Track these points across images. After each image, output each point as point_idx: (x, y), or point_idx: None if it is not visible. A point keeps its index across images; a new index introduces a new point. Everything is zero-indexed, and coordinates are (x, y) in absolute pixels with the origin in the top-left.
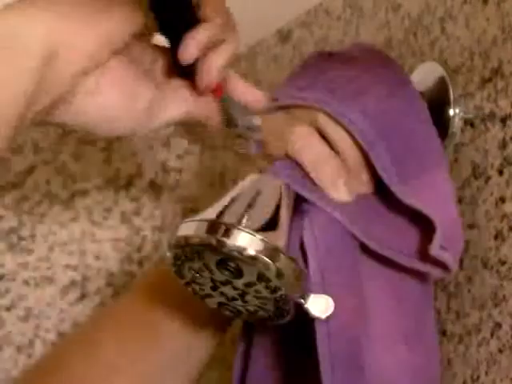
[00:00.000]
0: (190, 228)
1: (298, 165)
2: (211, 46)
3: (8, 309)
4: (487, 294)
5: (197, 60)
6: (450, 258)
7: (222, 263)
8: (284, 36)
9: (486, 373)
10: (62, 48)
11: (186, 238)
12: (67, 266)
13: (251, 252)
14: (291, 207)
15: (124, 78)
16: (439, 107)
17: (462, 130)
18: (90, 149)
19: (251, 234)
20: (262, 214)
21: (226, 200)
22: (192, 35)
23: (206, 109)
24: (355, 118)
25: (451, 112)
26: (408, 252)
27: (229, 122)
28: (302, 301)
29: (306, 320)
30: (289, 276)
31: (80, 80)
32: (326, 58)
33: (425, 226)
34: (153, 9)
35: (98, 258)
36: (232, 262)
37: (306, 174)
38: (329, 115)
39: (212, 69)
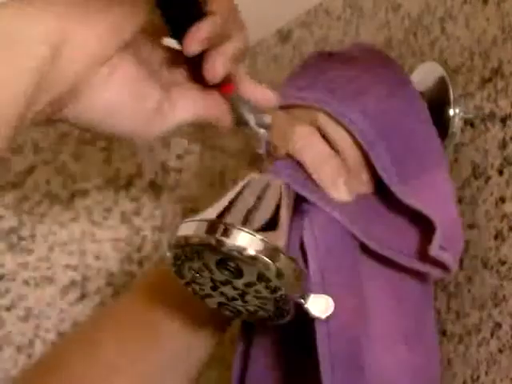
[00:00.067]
0: (189, 228)
1: (300, 164)
2: (217, 41)
3: (8, 309)
4: (487, 294)
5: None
6: (449, 258)
7: (222, 263)
8: (284, 36)
9: (486, 373)
10: (63, 47)
11: (186, 237)
12: (67, 266)
13: (251, 252)
14: (291, 207)
15: (133, 77)
16: (439, 107)
17: (462, 130)
18: (89, 149)
19: (251, 233)
20: (262, 213)
21: (226, 200)
22: (196, 28)
23: (216, 110)
24: (355, 117)
25: (451, 112)
26: (408, 252)
27: (239, 120)
28: (302, 301)
29: (306, 320)
30: (289, 276)
31: (85, 78)
32: (325, 58)
33: (425, 226)
34: (159, 5)
35: (98, 257)
36: (232, 262)
37: (307, 174)
38: (329, 115)
39: (216, 63)
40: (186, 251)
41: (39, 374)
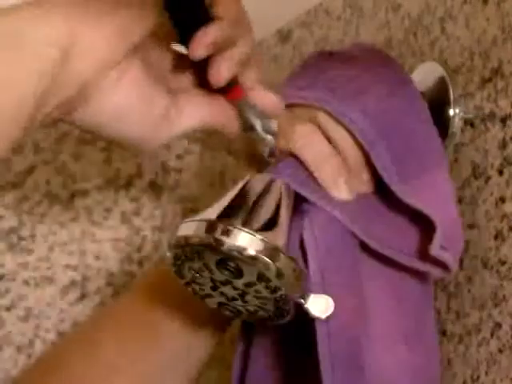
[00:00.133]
0: (189, 228)
1: (300, 163)
2: (224, 46)
3: (8, 309)
4: (487, 293)
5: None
6: (450, 257)
7: (222, 263)
8: (284, 36)
9: (486, 373)
10: (72, 49)
11: (186, 237)
12: (67, 266)
13: (251, 252)
14: (291, 207)
15: (142, 81)
16: (439, 107)
17: (462, 130)
18: (89, 149)
19: (251, 233)
20: (262, 213)
21: (225, 200)
22: (202, 32)
23: (223, 116)
24: (355, 117)
25: (451, 112)
26: (408, 251)
27: (245, 126)
28: (302, 301)
29: (306, 320)
30: (289, 276)
31: (94, 81)
32: (326, 58)
33: (425, 225)
34: (167, 8)
35: (97, 257)
36: (232, 262)
37: (307, 173)
38: (329, 114)
39: (221, 67)
40: (186, 251)
41: (39, 374)
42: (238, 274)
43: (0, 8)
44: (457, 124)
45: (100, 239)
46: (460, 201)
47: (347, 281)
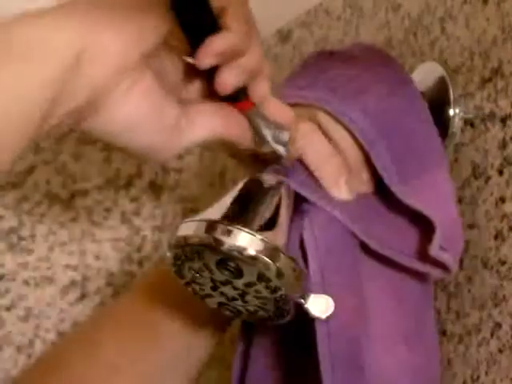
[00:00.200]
0: (189, 228)
1: (300, 163)
2: (232, 56)
3: (8, 309)
4: (487, 293)
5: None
6: (449, 258)
7: (222, 263)
8: (284, 36)
9: (486, 373)
10: (85, 55)
11: (186, 237)
12: (67, 266)
13: (251, 252)
14: (291, 207)
15: (154, 91)
16: (439, 107)
17: (462, 130)
18: (89, 149)
19: (251, 233)
20: (262, 213)
21: (226, 200)
22: (209, 41)
23: (235, 128)
24: (356, 116)
25: (451, 112)
26: (408, 252)
27: (256, 136)
28: (302, 301)
29: (306, 320)
30: (289, 276)
31: (105, 89)
32: (326, 57)
33: (425, 226)
34: (177, 17)
35: (97, 257)
36: (232, 262)
37: (307, 173)
38: (329, 114)
39: (227, 75)
40: (186, 251)
41: (39, 374)
42: (238, 273)
43: (16, 15)
44: (457, 124)
45: (100, 239)
46: (460, 201)
47: (347, 281)
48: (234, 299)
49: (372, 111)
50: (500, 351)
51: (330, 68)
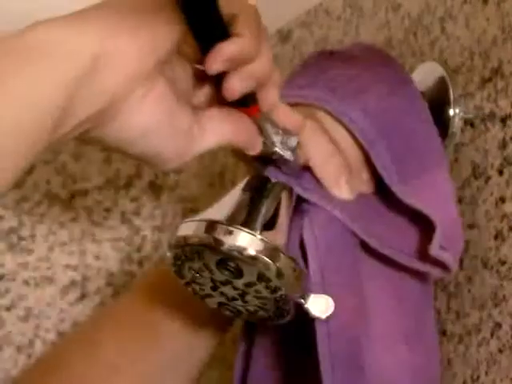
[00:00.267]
0: (189, 228)
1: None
2: (241, 62)
3: (8, 309)
4: (487, 294)
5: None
6: (449, 257)
7: (222, 263)
8: (284, 36)
9: (486, 373)
10: (101, 61)
11: (186, 237)
12: (67, 266)
13: (251, 252)
14: (291, 207)
15: (167, 98)
16: (439, 107)
17: (462, 130)
18: (90, 149)
19: (251, 233)
20: (262, 213)
21: (225, 200)
22: (218, 47)
23: (245, 134)
24: (356, 116)
25: (451, 112)
26: (408, 251)
27: (264, 142)
28: (302, 301)
29: (306, 320)
30: (289, 276)
31: (121, 95)
32: (326, 57)
33: (425, 225)
34: (188, 24)
35: (97, 258)
36: (232, 262)
37: (307, 172)
38: (329, 114)
39: (234, 80)
40: (186, 251)
41: (39, 374)
42: (238, 273)
43: (36, 21)
44: (457, 124)
45: (100, 239)
46: (460, 201)
47: (347, 280)
48: (234, 299)
49: (372, 111)
50: (500, 351)
51: (330, 68)
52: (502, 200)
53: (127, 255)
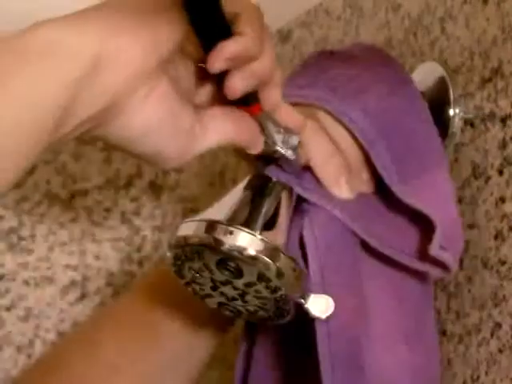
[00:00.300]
0: (189, 228)
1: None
2: (243, 61)
3: (8, 309)
4: (487, 293)
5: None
6: (449, 257)
7: (222, 263)
8: (284, 36)
9: (486, 373)
10: (103, 60)
11: (186, 237)
12: (67, 266)
13: (251, 252)
14: (291, 207)
15: (170, 97)
16: (439, 107)
17: (462, 130)
18: (89, 149)
19: (251, 233)
20: (262, 213)
21: (226, 200)
22: (220, 46)
23: (247, 133)
24: (356, 116)
25: (451, 112)
26: (408, 251)
27: (266, 141)
28: (302, 301)
29: (306, 320)
30: (289, 276)
31: (124, 94)
32: (327, 57)
33: (425, 225)
34: (190, 23)
35: (97, 257)
36: (232, 262)
37: (307, 172)
38: (329, 113)
39: (236, 79)
40: (186, 251)
41: (39, 374)
42: (238, 273)
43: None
44: (457, 124)
45: (100, 239)
46: (460, 201)
47: (347, 280)
48: (234, 299)
49: (372, 111)
50: (500, 351)
51: (331, 68)
52: (502, 200)
53: (127, 255)
